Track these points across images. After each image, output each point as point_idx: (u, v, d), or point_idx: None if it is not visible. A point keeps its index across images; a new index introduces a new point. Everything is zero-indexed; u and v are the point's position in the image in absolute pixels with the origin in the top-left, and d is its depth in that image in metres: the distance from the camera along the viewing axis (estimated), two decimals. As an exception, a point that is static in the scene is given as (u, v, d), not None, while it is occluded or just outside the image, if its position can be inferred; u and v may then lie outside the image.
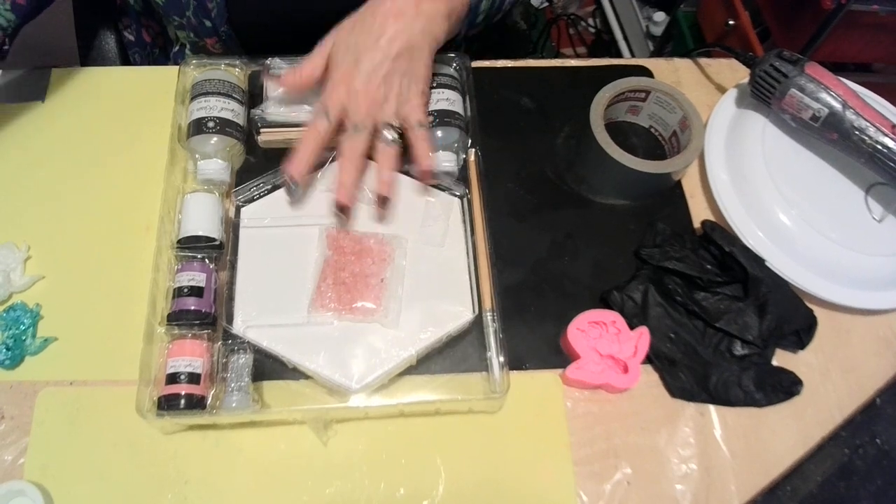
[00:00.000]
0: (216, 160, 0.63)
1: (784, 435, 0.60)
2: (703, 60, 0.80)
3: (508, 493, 0.56)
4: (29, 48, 0.70)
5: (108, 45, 0.85)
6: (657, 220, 0.67)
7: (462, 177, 0.66)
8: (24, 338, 0.58)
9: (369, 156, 0.67)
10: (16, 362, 0.58)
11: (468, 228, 0.63)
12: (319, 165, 0.65)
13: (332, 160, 0.65)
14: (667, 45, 1.62)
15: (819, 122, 0.64)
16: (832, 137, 0.65)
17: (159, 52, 0.85)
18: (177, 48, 0.83)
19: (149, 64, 0.85)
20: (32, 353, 0.59)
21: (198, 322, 0.57)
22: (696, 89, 0.77)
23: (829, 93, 0.63)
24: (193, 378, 0.54)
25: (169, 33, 0.78)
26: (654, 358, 0.61)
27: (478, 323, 0.59)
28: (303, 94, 0.65)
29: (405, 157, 0.66)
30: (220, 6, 0.69)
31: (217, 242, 0.60)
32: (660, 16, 1.63)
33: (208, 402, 0.55)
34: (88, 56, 0.86)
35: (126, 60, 0.86)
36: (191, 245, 0.59)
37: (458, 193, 0.65)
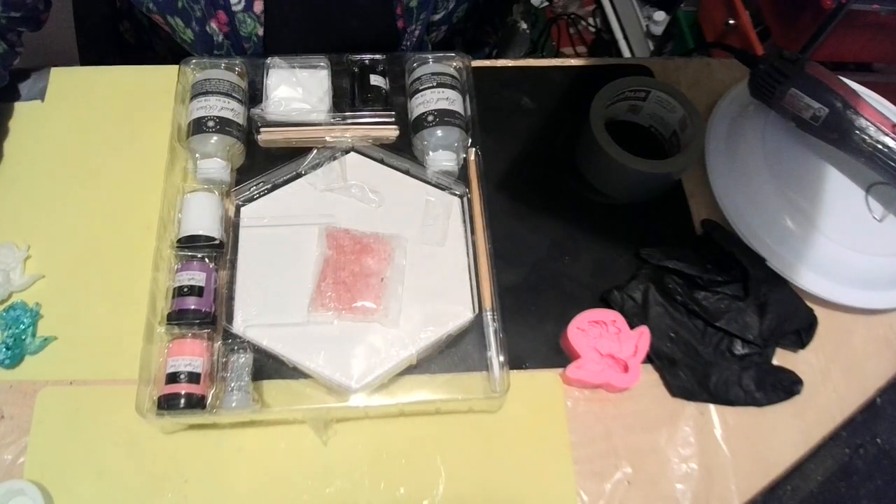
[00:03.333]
0: (216, 159, 0.63)
1: (784, 434, 0.60)
2: (703, 60, 0.80)
3: (508, 493, 0.56)
4: (29, 48, 0.70)
5: (107, 43, 0.85)
6: (657, 220, 0.67)
7: (462, 177, 0.66)
8: (23, 337, 0.58)
9: (368, 154, 0.67)
10: (15, 361, 0.58)
11: (468, 228, 0.63)
12: (320, 164, 0.65)
13: (333, 159, 0.66)
14: (667, 45, 1.61)
15: (819, 122, 0.64)
16: (832, 137, 0.64)
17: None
18: None
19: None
20: (32, 353, 0.59)
21: (198, 322, 0.56)
22: (696, 89, 0.77)
23: (829, 92, 0.63)
24: (193, 377, 0.54)
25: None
26: (654, 357, 0.61)
27: (478, 323, 0.59)
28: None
29: (407, 156, 0.66)
30: (256, 46, 0.69)
31: (217, 242, 0.60)
32: (660, 15, 1.63)
33: (208, 401, 0.55)
34: (88, 56, 0.86)
35: (126, 56, 0.86)
36: (191, 244, 0.59)
37: (458, 193, 0.65)
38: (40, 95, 0.71)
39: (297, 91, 0.67)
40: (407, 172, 0.66)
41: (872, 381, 0.62)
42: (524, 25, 1.05)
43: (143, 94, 0.71)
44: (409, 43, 0.74)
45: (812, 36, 1.18)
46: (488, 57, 0.94)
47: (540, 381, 0.60)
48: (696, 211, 0.70)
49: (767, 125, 0.69)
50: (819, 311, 0.64)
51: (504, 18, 0.97)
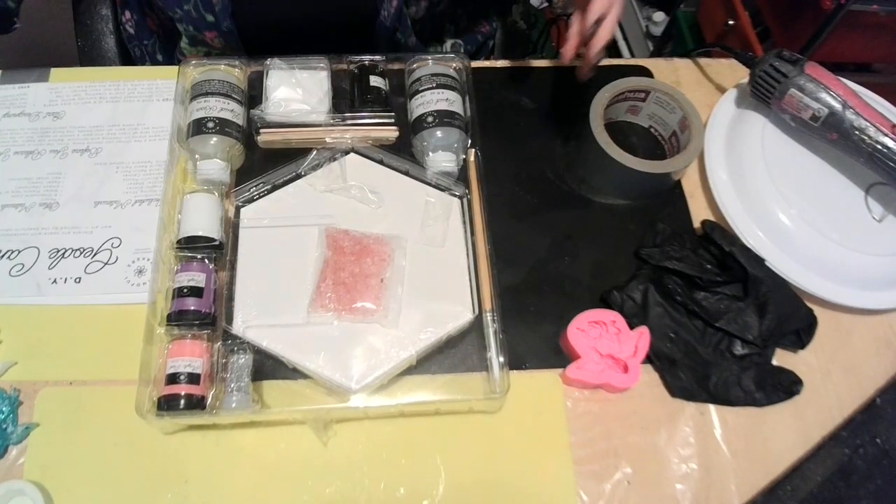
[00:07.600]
0: (216, 160, 0.63)
1: (784, 434, 0.60)
2: (703, 60, 0.80)
3: (508, 493, 0.56)
4: (29, 48, 0.70)
5: (107, 43, 0.85)
6: (657, 220, 0.67)
7: (462, 177, 0.66)
8: (4, 426, 0.55)
9: (368, 155, 0.67)
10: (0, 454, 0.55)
11: (468, 228, 0.63)
12: (319, 164, 0.65)
13: (333, 159, 0.66)
14: (666, 45, 1.61)
15: (819, 122, 0.64)
16: (832, 137, 0.65)
17: (161, 46, 0.84)
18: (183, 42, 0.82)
19: (148, 59, 0.85)
20: (15, 443, 0.55)
21: (197, 322, 0.56)
22: (695, 89, 0.77)
23: (828, 93, 0.63)
24: (193, 378, 0.54)
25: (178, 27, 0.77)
26: (654, 357, 0.61)
27: (478, 323, 0.59)
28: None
29: (407, 157, 0.66)
30: (224, 1, 0.69)
31: (217, 242, 0.60)
32: (659, 16, 1.63)
33: (208, 402, 0.55)
34: (88, 55, 0.86)
35: (126, 56, 0.86)
36: (191, 245, 0.59)
37: (458, 193, 0.65)
38: (40, 96, 0.71)
39: (297, 92, 0.67)
40: (407, 173, 0.66)
41: (872, 382, 0.62)
42: (524, 26, 1.05)
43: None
44: (386, 13, 0.73)
45: (811, 36, 1.18)
46: (483, 50, 0.94)
47: (540, 382, 0.60)
48: (696, 211, 0.70)
49: (767, 125, 0.69)
50: (819, 312, 0.64)
51: (502, 15, 0.97)
